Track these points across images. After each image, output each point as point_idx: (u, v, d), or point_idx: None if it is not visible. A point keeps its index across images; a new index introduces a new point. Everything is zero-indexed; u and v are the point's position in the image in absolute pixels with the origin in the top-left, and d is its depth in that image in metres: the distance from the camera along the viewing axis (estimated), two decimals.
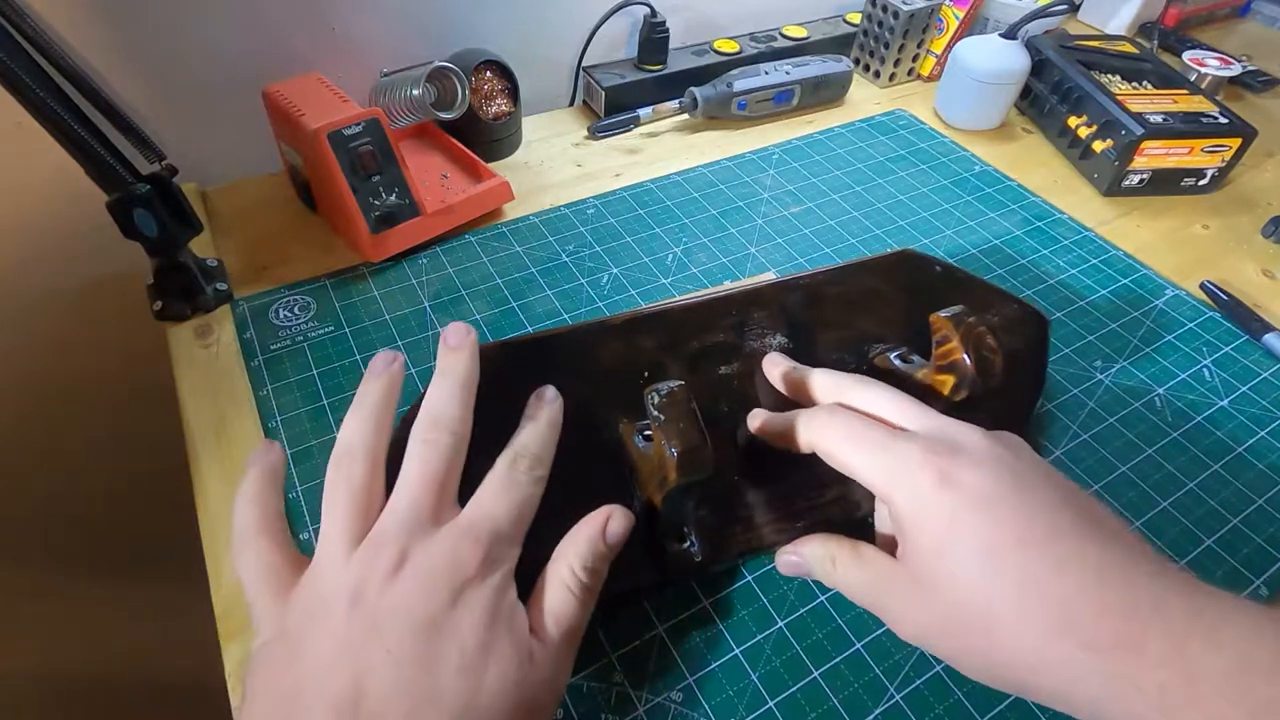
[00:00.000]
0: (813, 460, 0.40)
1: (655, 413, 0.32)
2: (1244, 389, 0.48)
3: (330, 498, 0.29)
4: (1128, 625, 0.25)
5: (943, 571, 0.28)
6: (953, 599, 0.28)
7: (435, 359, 0.47)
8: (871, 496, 0.38)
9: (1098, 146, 0.64)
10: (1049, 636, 0.26)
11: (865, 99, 0.75)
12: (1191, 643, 0.24)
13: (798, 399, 0.38)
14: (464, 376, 0.32)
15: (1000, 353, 0.37)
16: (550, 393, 0.35)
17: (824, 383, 0.37)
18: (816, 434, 0.34)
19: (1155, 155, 0.61)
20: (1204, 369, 0.50)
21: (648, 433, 0.36)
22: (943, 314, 0.38)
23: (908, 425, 0.32)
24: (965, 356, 0.36)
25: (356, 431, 0.30)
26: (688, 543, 0.37)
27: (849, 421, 0.33)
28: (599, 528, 0.31)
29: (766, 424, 0.37)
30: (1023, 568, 0.27)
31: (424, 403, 0.32)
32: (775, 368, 0.39)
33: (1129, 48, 0.73)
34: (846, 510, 0.40)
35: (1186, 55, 0.76)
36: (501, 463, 0.31)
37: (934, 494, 0.29)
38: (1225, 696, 0.23)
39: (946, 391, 0.38)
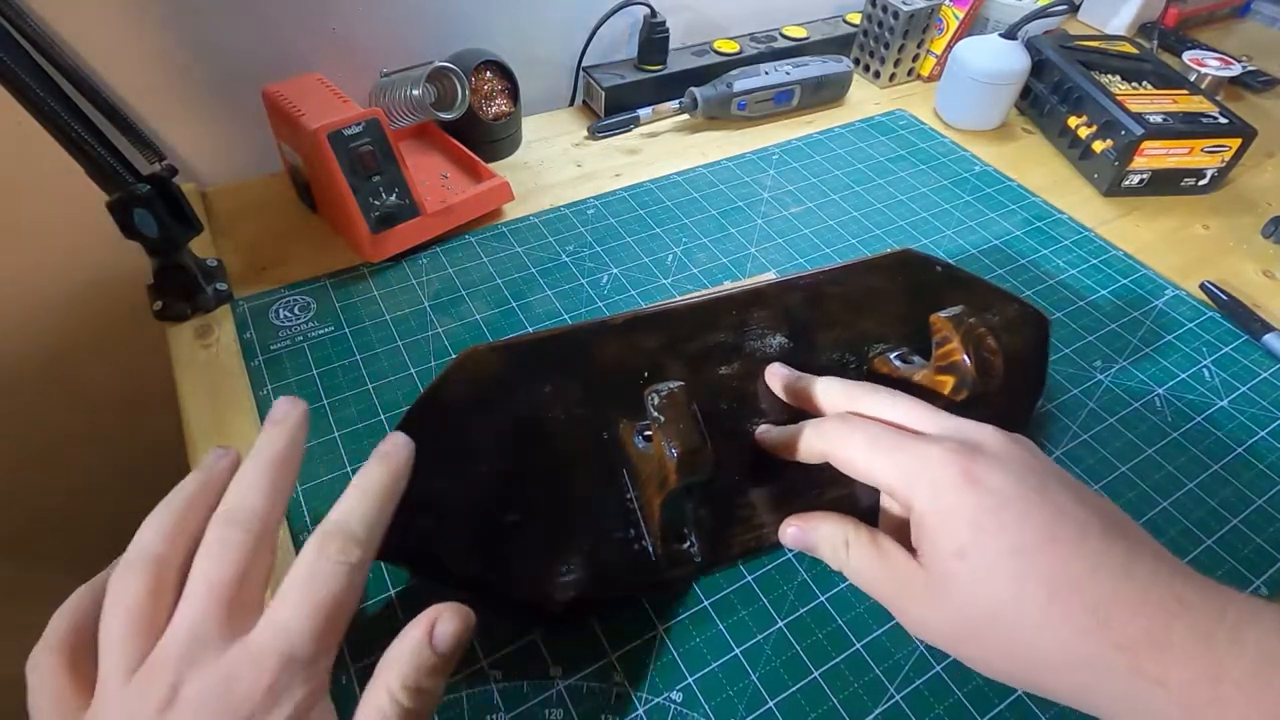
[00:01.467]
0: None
1: (655, 413, 0.32)
2: (1244, 389, 0.48)
3: (106, 616, 0.25)
4: (1154, 623, 0.25)
5: (965, 571, 0.28)
6: (975, 600, 0.28)
7: (433, 360, 0.47)
8: (872, 495, 0.38)
9: (1098, 146, 0.64)
10: (1081, 635, 0.26)
11: (865, 99, 0.75)
12: (1216, 641, 0.24)
13: (802, 408, 0.38)
14: (276, 458, 0.28)
15: (1001, 354, 0.37)
16: (394, 441, 0.30)
17: (831, 390, 0.36)
18: (830, 442, 0.33)
19: (1155, 155, 0.61)
20: (1204, 369, 0.50)
21: (648, 433, 0.36)
22: (943, 314, 0.38)
23: (923, 429, 0.32)
24: (965, 357, 0.36)
25: (145, 533, 0.26)
26: (687, 543, 0.37)
27: (864, 426, 0.33)
28: (423, 635, 0.26)
29: (773, 438, 0.37)
30: (1055, 567, 0.27)
31: (228, 488, 0.28)
32: (777, 378, 0.39)
33: (1129, 48, 0.73)
34: (847, 510, 0.40)
35: (1186, 55, 0.76)
36: (309, 547, 0.26)
37: (957, 493, 0.29)
38: (1248, 694, 0.23)
39: (946, 392, 0.38)
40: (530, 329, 0.50)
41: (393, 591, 0.36)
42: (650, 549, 0.36)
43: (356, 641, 0.35)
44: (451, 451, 0.35)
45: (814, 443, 0.34)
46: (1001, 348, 0.37)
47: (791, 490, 0.39)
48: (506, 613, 0.36)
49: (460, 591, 0.35)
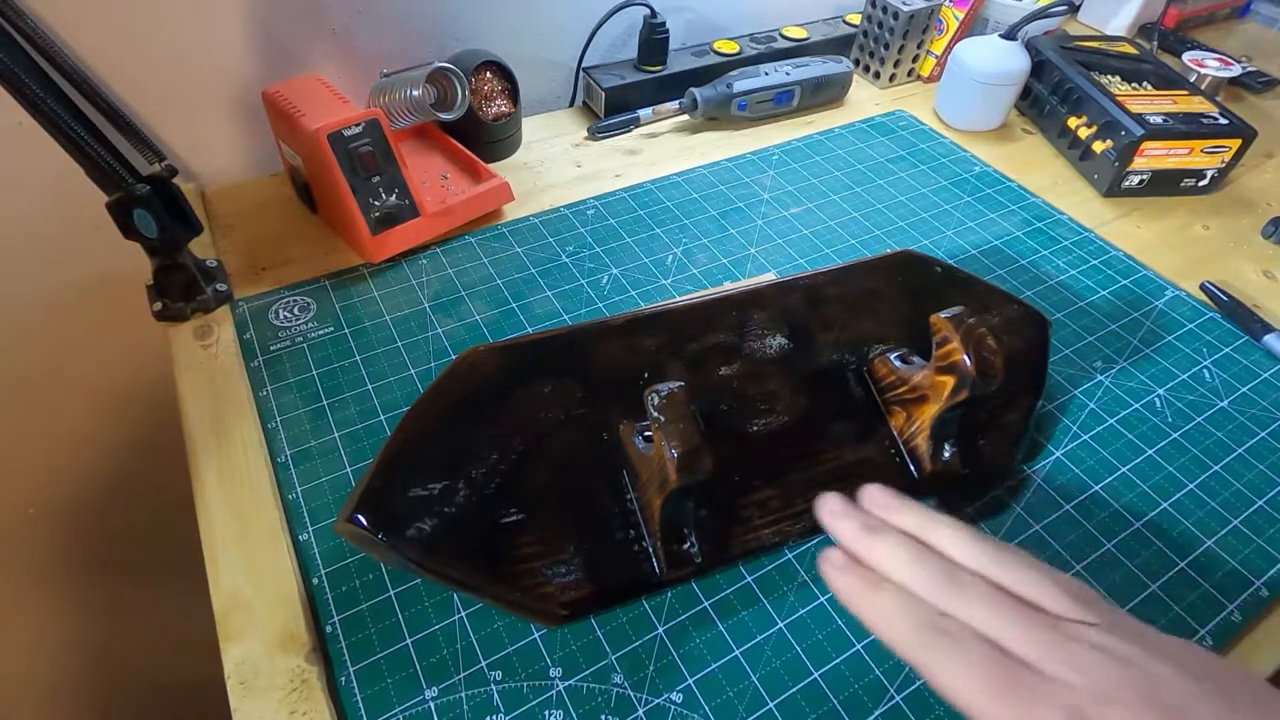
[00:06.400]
0: (813, 460, 0.40)
1: (655, 414, 0.32)
2: (1244, 390, 0.48)
3: None
4: None
5: None
6: None
7: (433, 361, 0.47)
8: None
9: (1098, 147, 0.64)
10: None
11: (865, 100, 0.75)
12: None
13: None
14: None
15: (1000, 354, 0.37)
16: None
17: (967, 550, 0.29)
18: (934, 659, 0.26)
19: (1155, 156, 0.61)
20: (1204, 370, 0.50)
21: (648, 434, 0.36)
22: (943, 315, 0.38)
23: (1048, 650, 0.26)
24: (966, 357, 0.36)
25: None
26: (688, 544, 0.37)
27: (983, 659, 0.26)
28: None
29: (838, 569, 0.30)
30: None
31: None
32: (841, 520, 0.31)
33: (1129, 49, 0.73)
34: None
35: (1186, 56, 0.76)
36: None
37: None
38: None
39: (946, 392, 0.38)
40: (530, 330, 0.50)
41: (393, 591, 0.36)
42: (650, 549, 0.36)
43: (356, 642, 0.35)
44: (452, 451, 0.35)
45: (901, 627, 0.27)
46: (1001, 348, 0.37)
47: (793, 491, 0.39)
48: (507, 612, 0.36)
49: (461, 590, 0.35)
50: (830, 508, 0.31)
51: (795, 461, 0.40)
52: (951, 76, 0.70)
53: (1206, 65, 0.74)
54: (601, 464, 0.37)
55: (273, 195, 0.59)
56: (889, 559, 0.29)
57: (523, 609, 0.35)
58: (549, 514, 0.36)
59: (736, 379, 0.41)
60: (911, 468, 0.41)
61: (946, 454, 0.41)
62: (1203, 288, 0.55)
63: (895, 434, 0.42)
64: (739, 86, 0.67)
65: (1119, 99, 0.64)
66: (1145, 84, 0.68)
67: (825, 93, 0.72)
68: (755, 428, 0.40)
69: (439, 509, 0.34)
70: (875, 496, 0.32)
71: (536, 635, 0.35)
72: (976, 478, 0.42)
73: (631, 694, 0.34)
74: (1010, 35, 0.67)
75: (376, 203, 0.51)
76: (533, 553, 0.35)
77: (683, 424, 0.32)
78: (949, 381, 0.37)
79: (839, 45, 0.78)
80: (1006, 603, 0.27)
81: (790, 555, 0.39)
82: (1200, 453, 0.45)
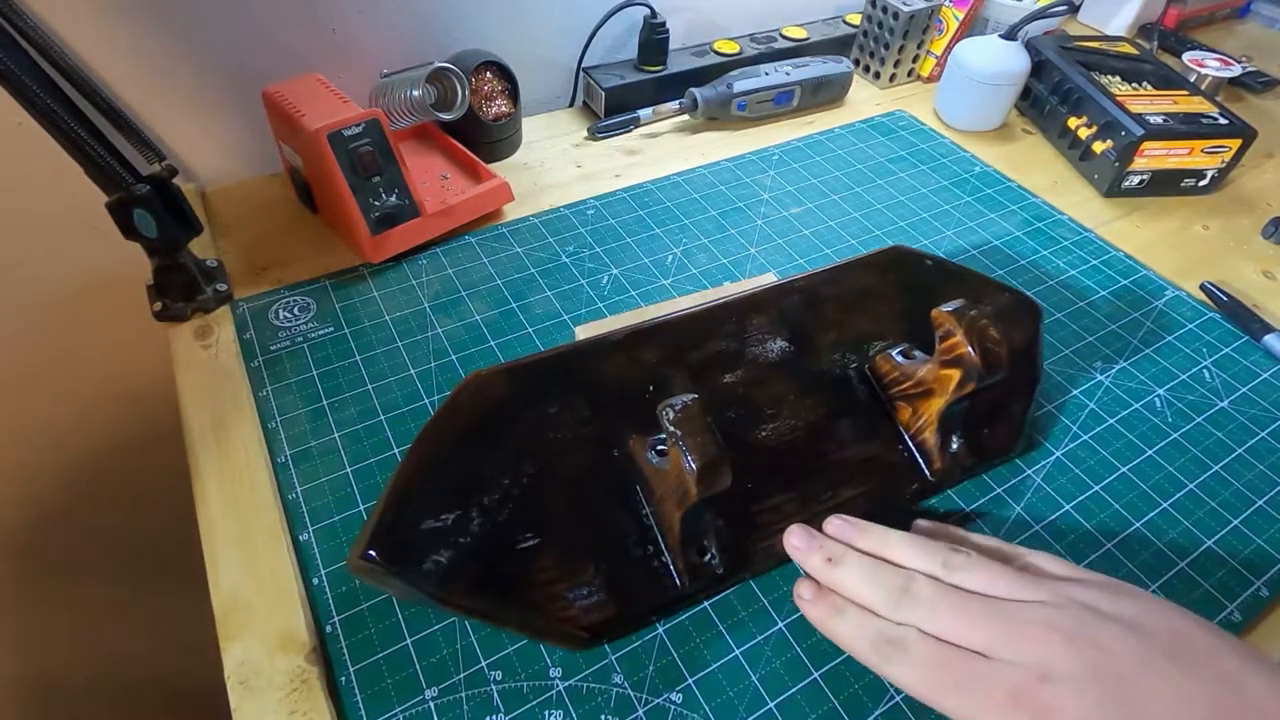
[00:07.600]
0: (824, 461, 0.40)
1: (672, 428, 0.32)
2: (1244, 390, 0.48)
3: None
4: None
5: None
6: None
7: (433, 361, 0.47)
8: (883, 485, 0.38)
9: (1098, 147, 0.64)
10: None
11: (865, 100, 0.75)
12: None
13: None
14: None
15: (1005, 344, 0.37)
16: None
17: (908, 554, 0.33)
18: (883, 658, 0.30)
19: (1155, 156, 0.61)
20: (1204, 370, 0.50)
21: (660, 448, 0.36)
22: (945, 309, 0.38)
23: (992, 636, 0.28)
24: (971, 350, 0.36)
25: None
26: (708, 555, 0.36)
27: (925, 654, 0.29)
28: None
29: (809, 599, 0.34)
30: None
31: None
32: (806, 555, 0.35)
33: (1129, 49, 0.73)
34: (860, 508, 0.39)
35: (1186, 56, 0.76)
36: None
37: None
38: None
39: (952, 385, 0.37)
40: (530, 329, 0.50)
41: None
42: (670, 563, 0.36)
43: (356, 642, 0.35)
44: (462, 479, 0.35)
45: (860, 646, 0.31)
46: (1005, 338, 0.37)
47: (808, 494, 0.39)
48: (531, 639, 0.35)
49: (481, 621, 0.35)
50: (794, 543, 0.35)
51: (806, 464, 0.40)
52: (951, 76, 0.70)
53: (1206, 65, 0.74)
54: (614, 481, 0.37)
55: (273, 195, 0.59)
56: (850, 585, 0.33)
57: (546, 635, 0.34)
58: (565, 536, 0.35)
59: (741, 385, 0.40)
60: (921, 462, 0.41)
61: (955, 446, 0.40)
62: (1203, 288, 0.55)
63: (903, 429, 0.42)
64: (739, 86, 0.67)
65: (1119, 99, 0.64)
66: (1145, 84, 0.68)
67: (825, 93, 0.72)
68: (764, 433, 0.40)
69: (453, 539, 0.33)
70: (836, 526, 0.35)
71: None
72: (984, 467, 0.42)
73: (631, 694, 0.34)
74: (1010, 35, 0.67)
75: (376, 203, 0.51)
76: (551, 576, 0.34)
77: (700, 436, 0.31)
78: (954, 375, 0.37)
79: (839, 45, 0.78)
80: (955, 601, 0.30)
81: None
82: (1200, 453, 0.45)
